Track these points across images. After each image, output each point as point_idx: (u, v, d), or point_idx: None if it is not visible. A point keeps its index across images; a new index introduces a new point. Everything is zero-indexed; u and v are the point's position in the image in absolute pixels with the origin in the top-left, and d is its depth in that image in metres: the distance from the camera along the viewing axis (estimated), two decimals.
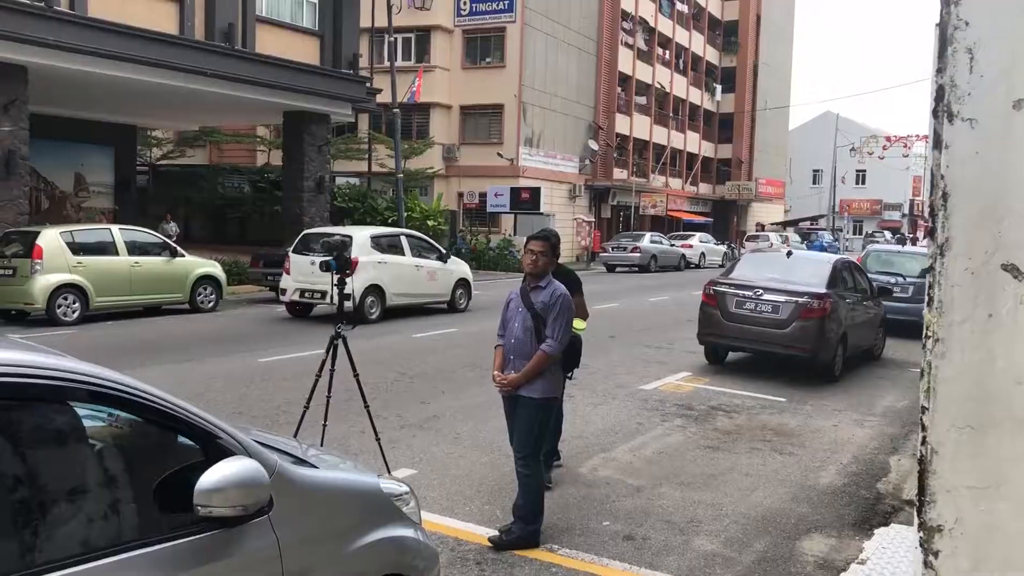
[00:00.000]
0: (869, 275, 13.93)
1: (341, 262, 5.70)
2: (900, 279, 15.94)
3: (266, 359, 11.31)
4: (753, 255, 13.20)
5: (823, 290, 11.12)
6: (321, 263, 6.03)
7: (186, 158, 38.31)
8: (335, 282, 5.79)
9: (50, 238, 14.46)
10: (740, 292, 11.36)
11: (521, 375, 5.34)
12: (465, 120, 38.44)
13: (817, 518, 6.21)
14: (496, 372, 5.50)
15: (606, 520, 5.92)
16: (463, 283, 18.22)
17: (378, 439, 6.06)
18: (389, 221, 29.54)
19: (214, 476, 2.62)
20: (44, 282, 14.15)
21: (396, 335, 14.00)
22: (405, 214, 30.95)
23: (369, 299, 15.45)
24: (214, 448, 2.80)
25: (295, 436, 6.11)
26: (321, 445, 6.22)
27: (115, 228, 15.71)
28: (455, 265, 18.31)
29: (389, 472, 5.91)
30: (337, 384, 6.80)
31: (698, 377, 11.28)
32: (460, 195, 36.64)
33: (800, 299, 10.97)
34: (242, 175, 37.40)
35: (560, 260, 6.08)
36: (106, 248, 15.21)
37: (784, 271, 11.82)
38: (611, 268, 33.96)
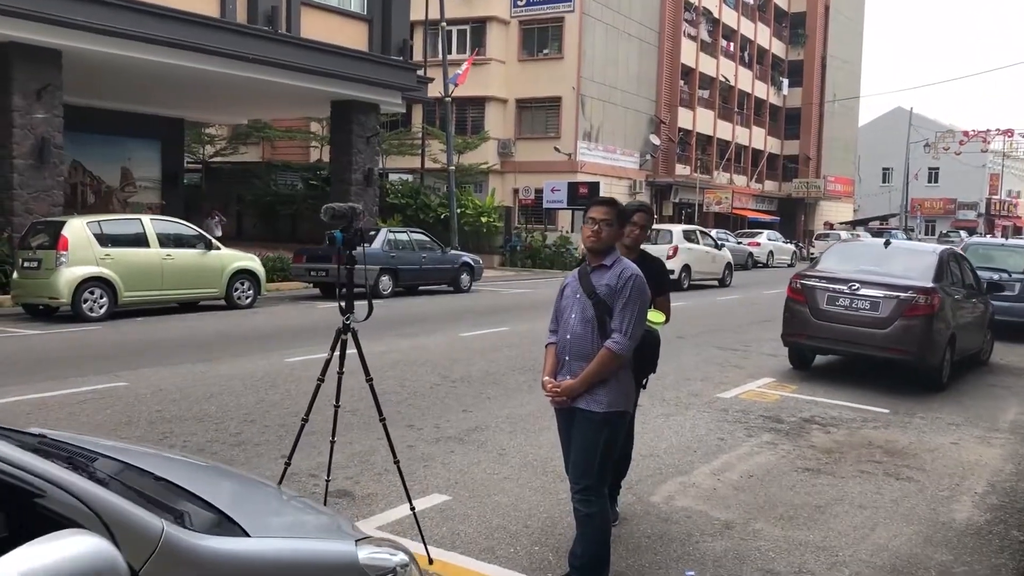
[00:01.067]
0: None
1: (350, 235, 4.47)
2: (1004, 275, 14.26)
3: (293, 359, 10.17)
4: (845, 244, 11.67)
5: (930, 284, 9.59)
6: (328, 235, 4.81)
7: (239, 155, 37.87)
8: (344, 261, 4.58)
9: (76, 228, 13.58)
10: (833, 286, 9.88)
11: (579, 381, 4.05)
12: (521, 114, 37.22)
13: (964, 570, 4.78)
14: (546, 377, 4.21)
15: (690, 569, 4.58)
16: (728, 265, 25.58)
17: (396, 462, 4.81)
18: (442, 217, 28.46)
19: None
20: (69, 275, 13.26)
21: (440, 334, 12.79)
22: (459, 210, 29.87)
23: (683, 274, 22.37)
24: (30, 515, 1.57)
25: (290, 456, 4.89)
26: (329, 465, 5.01)
27: (146, 218, 14.78)
28: (726, 251, 26.31)
29: (411, 504, 4.66)
30: (359, 385, 5.60)
31: (783, 383, 9.83)
32: (515, 191, 35.42)
33: (903, 294, 9.45)
34: (295, 172, 36.77)
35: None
36: (136, 239, 14.29)
37: (882, 262, 10.29)
38: None
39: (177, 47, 17.09)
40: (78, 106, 22.67)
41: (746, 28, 52.62)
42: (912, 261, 10.32)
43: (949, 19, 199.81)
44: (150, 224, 14.55)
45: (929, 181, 77.31)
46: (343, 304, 4.67)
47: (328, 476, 4.98)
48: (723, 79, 49.23)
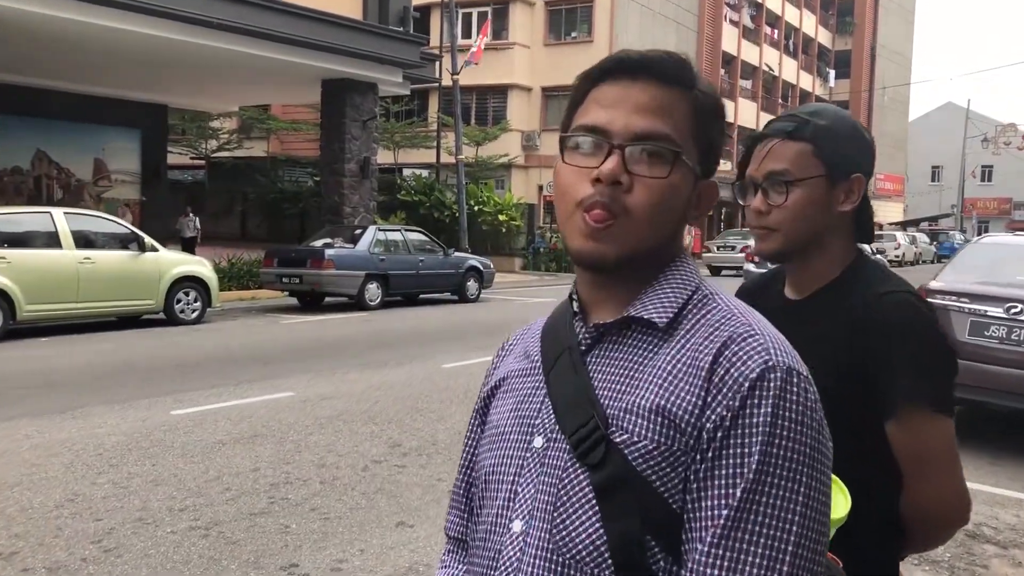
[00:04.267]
0: None
1: None
2: None
3: (186, 410, 7.07)
4: (984, 242, 8.31)
5: None
6: None
7: (245, 150, 35.23)
8: None
9: None
10: (979, 308, 6.60)
11: None
12: (548, 103, 34.01)
13: None
14: None
15: None
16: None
17: None
18: (458, 215, 25.41)
19: None
20: None
21: (417, 364, 9.60)
22: (476, 207, 26.82)
23: None
24: None
25: None
26: None
27: (58, 212, 11.72)
28: None
29: None
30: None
31: None
32: (540, 187, 32.24)
33: None
34: (303, 167, 33.98)
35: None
36: (44, 239, 11.32)
37: None
38: (716, 271, 29.06)
39: (119, 7, 14.12)
40: (43, 89, 19.97)
41: (791, 15, 49.00)
42: None
43: (1006, 11, 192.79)
44: (63, 219, 11.52)
45: (982, 180, 72.82)
46: None
47: None
48: (767, 68, 45.70)
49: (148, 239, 12.37)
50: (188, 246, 21.96)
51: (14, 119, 20.16)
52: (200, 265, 12.98)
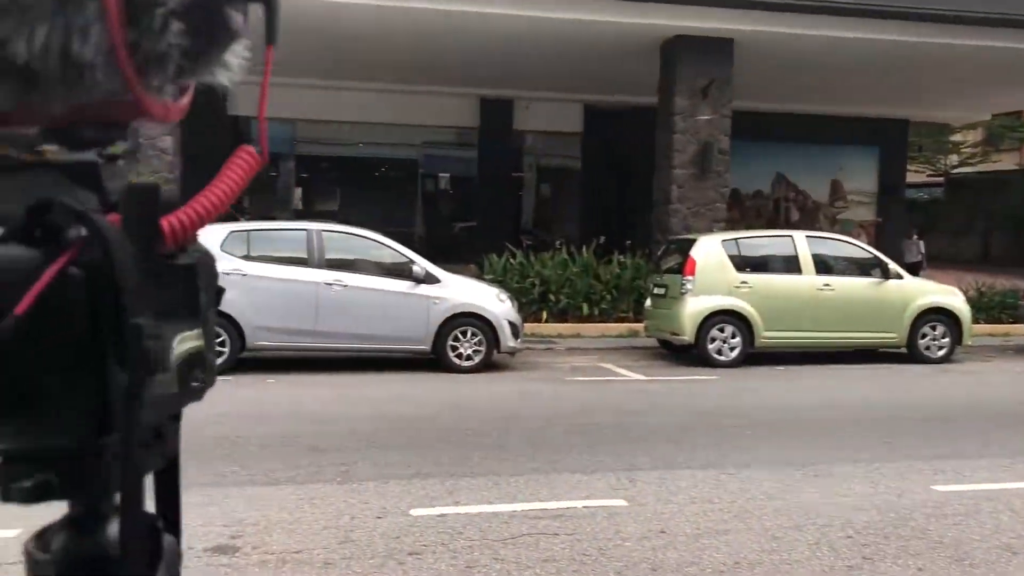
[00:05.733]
0: None
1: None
2: None
3: (950, 487, 5.57)
4: None
5: None
6: None
7: (990, 163, 31.91)
8: None
9: (708, 248, 10.79)
10: None
11: None
12: None
13: None
14: None
15: None
16: None
17: None
18: None
19: None
20: (694, 307, 10.53)
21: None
22: None
23: None
24: None
25: None
26: None
27: (799, 235, 11.21)
28: None
29: None
30: None
31: None
32: None
33: None
34: None
35: None
36: (783, 264, 10.94)
37: None
38: None
39: (871, 15, 13.19)
40: (780, 112, 20.35)
41: None
42: None
43: None
44: (804, 243, 11.00)
45: None
46: None
47: None
48: None
49: (893, 265, 11.17)
50: (911, 271, 20.34)
51: (754, 145, 20.81)
52: (951, 296, 11.30)
